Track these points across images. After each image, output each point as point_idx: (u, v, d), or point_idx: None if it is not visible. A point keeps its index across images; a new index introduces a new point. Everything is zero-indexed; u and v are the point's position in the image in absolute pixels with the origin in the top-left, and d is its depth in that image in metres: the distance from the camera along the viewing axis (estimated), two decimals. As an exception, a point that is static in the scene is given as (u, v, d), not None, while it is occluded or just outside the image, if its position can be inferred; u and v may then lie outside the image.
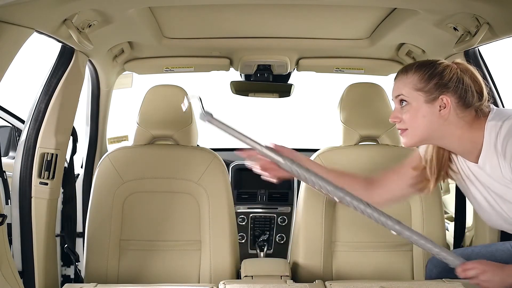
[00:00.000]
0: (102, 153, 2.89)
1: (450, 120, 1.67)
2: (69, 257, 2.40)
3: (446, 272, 1.96)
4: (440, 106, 1.66)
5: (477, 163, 1.70)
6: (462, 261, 1.67)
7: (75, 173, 2.56)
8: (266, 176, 1.81)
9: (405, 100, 1.70)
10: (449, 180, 2.80)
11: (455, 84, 1.66)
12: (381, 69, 2.89)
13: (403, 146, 1.95)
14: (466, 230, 2.47)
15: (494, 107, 1.71)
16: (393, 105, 1.78)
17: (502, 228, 1.80)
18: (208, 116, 1.76)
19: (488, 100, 1.69)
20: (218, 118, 1.78)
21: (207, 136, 3.08)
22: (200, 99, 1.79)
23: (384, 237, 2.33)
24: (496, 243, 2.09)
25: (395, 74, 1.78)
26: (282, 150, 1.79)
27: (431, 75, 1.67)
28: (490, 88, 2.36)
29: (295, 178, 3.40)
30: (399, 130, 1.74)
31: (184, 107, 1.82)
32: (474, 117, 1.68)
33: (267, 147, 1.76)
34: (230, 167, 3.43)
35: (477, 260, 1.66)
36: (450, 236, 2.52)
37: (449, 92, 1.66)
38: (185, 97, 1.81)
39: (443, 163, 1.82)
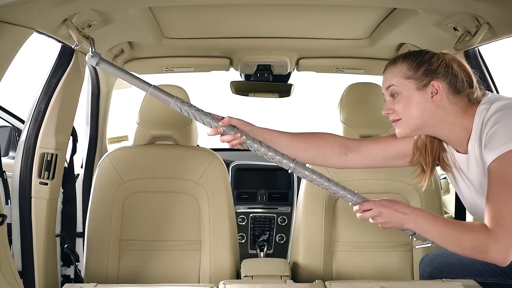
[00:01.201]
0: (102, 153, 2.89)
1: (443, 106, 1.66)
2: (69, 257, 2.40)
3: (438, 271, 1.97)
4: (432, 93, 1.65)
5: (466, 153, 1.70)
6: (361, 200, 1.68)
7: (75, 173, 2.56)
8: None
9: (396, 91, 1.68)
10: (449, 180, 2.81)
11: (444, 69, 1.66)
12: (381, 69, 2.84)
13: None
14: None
15: (489, 93, 1.71)
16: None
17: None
18: (96, 58, 1.76)
19: (480, 89, 1.69)
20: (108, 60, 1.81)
21: (207, 136, 3.08)
22: (93, 40, 1.82)
23: (384, 237, 2.34)
24: None
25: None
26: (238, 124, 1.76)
27: (420, 62, 1.67)
28: (489, 87, 2.37)
29: (295, 178, 3.41)
30: (393, 122, 1.72)
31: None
32: (468, 104, 1.67)
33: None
34: (230, 167, 3.44)
35: (375, 200, 1.65)
36: (450, 236, 2.52)
37: (439, 77, 1.65)
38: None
39: (436, 153, 1.81)
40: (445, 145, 1.80)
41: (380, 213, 1.63)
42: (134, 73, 3.12)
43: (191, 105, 1.77)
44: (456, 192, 2.50)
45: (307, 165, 1.91)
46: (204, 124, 1.76)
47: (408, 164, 1.88)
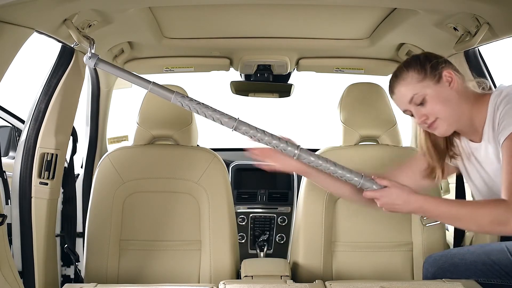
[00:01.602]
0: (102, 153, 2.89)
1: (462, 93, 1.74)
2: (69, 257, 2.40)
3: (441, 271, 1.98)
4: (447, 82, 1.74)
5: (480, 141, 1.77)
6: (368, 181, 1.75)
7: (75, 173, 2.56)
8: (266, 164, 1.84)
9: (420, 97, 1.74)
10: (449, 180, 2.81)
11: (444, 60, 1.77)
12: (381, 69, 2.89)
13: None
14: (466, 230, 2.47)
15: (502, 83, 1.79)
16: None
17: None
18: (94, 59, 1.78)
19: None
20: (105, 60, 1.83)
21: (207, 136, 3.08)
22: (92, 41, 1.85)
23: (384, 237, 2.34)
24: (492, 243, 2.10)
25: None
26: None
27: (422, 63, 1.76)
28: (490, 87, 2.37)
29: (295, 178, 3.41)
30: (430, 127, 1.77)
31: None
32: (480, 93, 1.77)
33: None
34: (230, 167, 3.43)
35: (384, 189, 1.72)
36: (450, 236, 2.52)
37: (445, 67, 1.75)
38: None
39: (441, 149, 1.87)
40: (456, 139, 1.86)
41: (385, 202, 1.71)
42: (134, 73, 3.13)
43: (191, 99, 1.78)
44: (456, 192, 2.51)
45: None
46: (206, 117, 1.77)
47: (434, 180, 1.94)
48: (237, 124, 1.78)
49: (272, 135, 1.78)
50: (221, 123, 1.79)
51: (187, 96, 1.80)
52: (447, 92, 1.73)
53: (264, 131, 1.78)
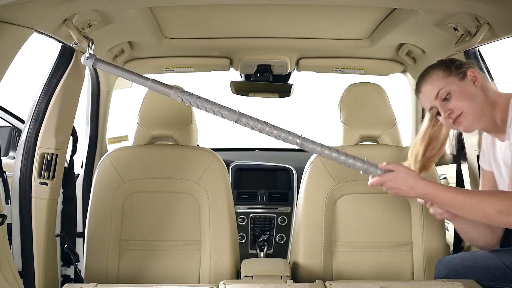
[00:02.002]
0: (102, 153, 2.89)
1: (486, 91, 1.83)
2: (69, 257, 2.40)
3: (454, 273, 1.97)
4: (472, 81, 1.82)
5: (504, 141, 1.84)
6: (372, 166, 1.77)
7: (75, 173, 2.56)
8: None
9: (445, 92, 1.82)
10: (449, 180, 2.81)
11: (468, 62, 1.88)
12: (381, 69, 2.90)
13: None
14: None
15: None
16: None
17: None
18: (92, 59, 1.79)
19: None
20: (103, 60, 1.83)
21: (207, 136, 3.08)
22: (92, 41, 1.86)
23: (384, 237, 2.33)
24: (507, 248, 2.10)
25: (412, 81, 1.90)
26: None
27: (448, 64, 1.87)
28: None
29: (295, 178, 3.41)
30: (454, 122, 1.82)
31: None
32: (501, 93, 1.85)
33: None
34: (230, 167, 3.44)
35: (388, 173, 1.75)
36: (450, 236, 2.52)
37: (469, 67, 1.86)
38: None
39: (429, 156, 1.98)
40: (485, 136, 1.95)
41: (391, 187, 1.75)
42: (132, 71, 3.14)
43: (191, 94, 1.79)
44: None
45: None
46: (207, 111, 1.78)
47: None
48: (238, 116, 1.79)
49: (273, 126, 1.79)
50: (222, 116, 1.79)
51: (187, 91, 1.80)
52: (471, 89, 1.82)
53: (265, 122, 1.79)
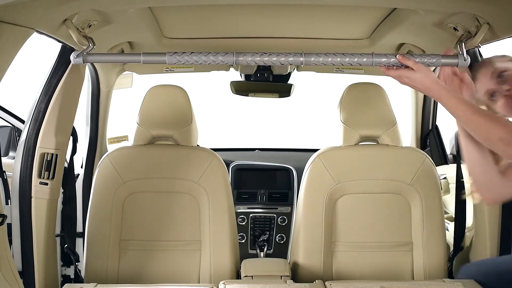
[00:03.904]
0: (102, 153, 2.89)
1: None
2: (69, 257, 2.40)
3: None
4: None
5: None
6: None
7: (75, 173, 2.56)
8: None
9: (501, 71, 1.88)
10: (449, 180, 2.80)
11: None
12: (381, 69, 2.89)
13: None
14: (466, 230, 2.47)
15: None
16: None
17: None
18: (80, 57, 1.82)
19: None
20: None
21: (207, 136, 3.08)
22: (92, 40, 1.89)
23: (384, 237, 2.33)
24: None
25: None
26: None
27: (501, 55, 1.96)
28: None
29: (295, 178, 3.41)
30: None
31: None
32: None
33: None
34: (230, 167, 3.44)
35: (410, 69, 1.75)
36: (450, 236, 2.52)
37: None
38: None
39: None
40: None
41: (406, 83, 1.77)
42: (134, 73, 3.15)
43: (184, 52, 1.82)
44: (456, 192, 2.50)
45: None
46: (205, 62, 1.80)
47: None
48: (236, 57, 1.80)
49: (272, 53, 1.79)
50: (222, 62, 1.80)
51: (178, 52, 1.82)
52: None
53: (263, 52, 1.79)
